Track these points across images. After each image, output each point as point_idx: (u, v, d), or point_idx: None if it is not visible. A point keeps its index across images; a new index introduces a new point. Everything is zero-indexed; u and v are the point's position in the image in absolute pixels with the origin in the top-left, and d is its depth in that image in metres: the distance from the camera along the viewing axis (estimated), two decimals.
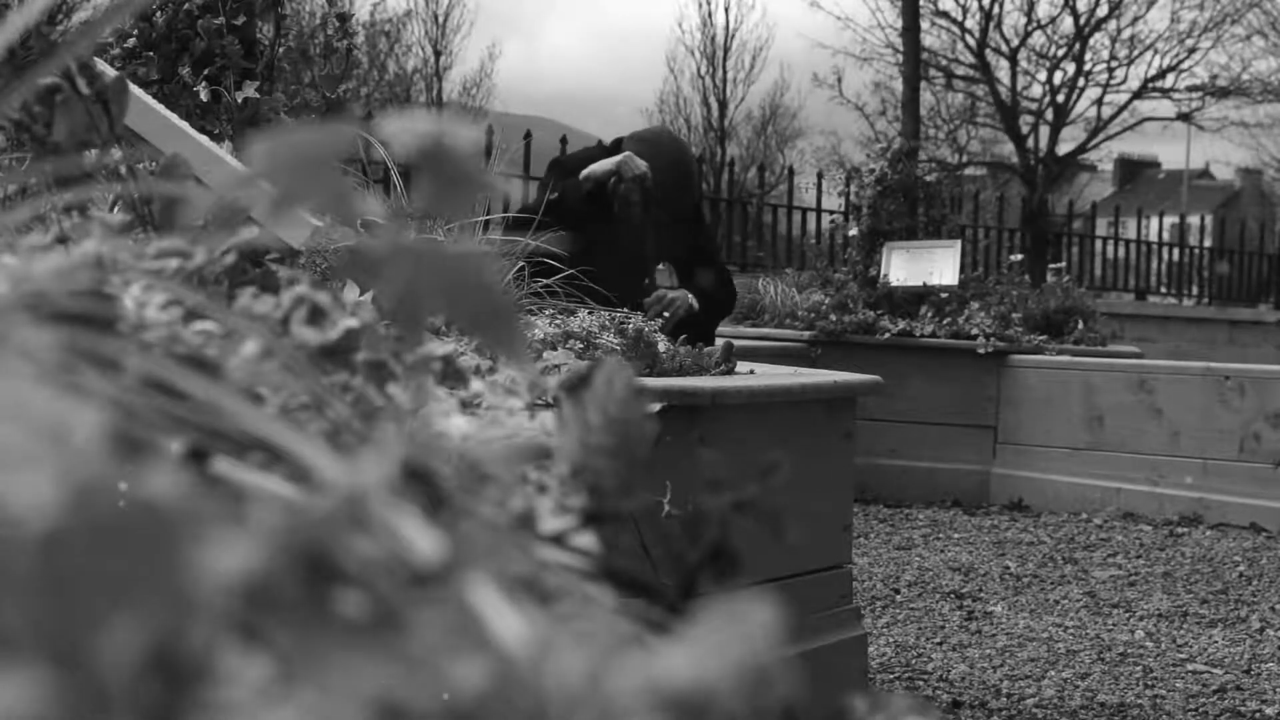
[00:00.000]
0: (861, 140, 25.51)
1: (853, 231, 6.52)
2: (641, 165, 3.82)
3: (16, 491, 0.27)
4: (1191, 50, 23.50)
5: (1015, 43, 23.27)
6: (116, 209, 0.74)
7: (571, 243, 2.66)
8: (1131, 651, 3.40)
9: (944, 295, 6.00)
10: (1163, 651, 3.41)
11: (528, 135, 8.33)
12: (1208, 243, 15.54)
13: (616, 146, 4.11)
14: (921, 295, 6.02)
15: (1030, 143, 23.59)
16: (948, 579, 4.19)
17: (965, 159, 25.00)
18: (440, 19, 29.27)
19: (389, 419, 0.52)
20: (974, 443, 5.74)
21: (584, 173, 3.84)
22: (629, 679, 0.30)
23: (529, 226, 2.69)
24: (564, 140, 8.04)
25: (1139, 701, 3.01)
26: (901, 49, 15.86)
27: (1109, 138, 24.79)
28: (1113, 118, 24.14)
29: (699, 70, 29.34)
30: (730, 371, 2.61)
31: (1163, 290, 14.67)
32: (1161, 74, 23.59)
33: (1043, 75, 23.64)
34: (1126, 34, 23.35)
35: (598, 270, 4.26)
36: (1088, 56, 23.43)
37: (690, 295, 4.00)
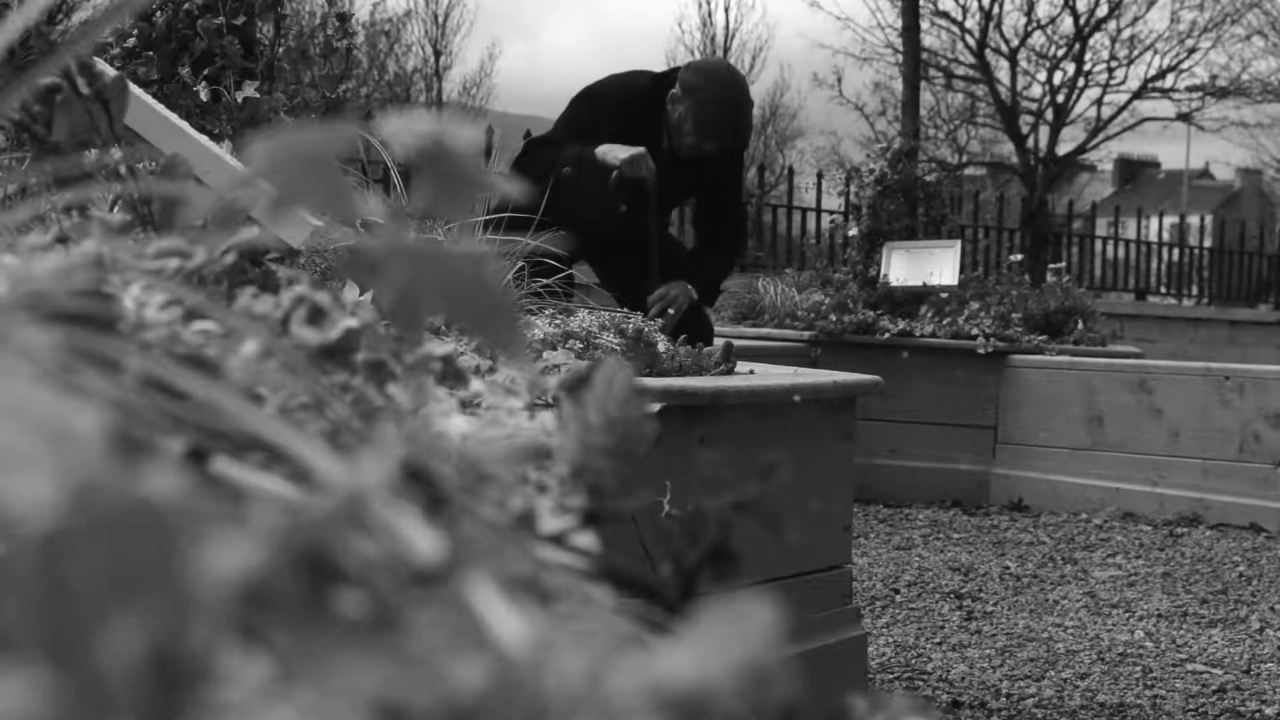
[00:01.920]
0: (861, 140, 25.52)
1: (853, 231, 6.52)
2: (645, 170, 3.81)
3: (16, 491, 0.27)
4: (1191, 50, 23.51)
5: (1015, 43, 23.28)
6: (116, 209, 0.74)
7: (571, 243, 2.67)
8: (1131, 651, 3.40)
9: (944, 295, 6.00)
10: (1162, 651, 3.41)
11: (527, 135, 8.32)
12: (1208, 243, 15.55)
13: (670, 76, 4.07)
14: (921, 295, 6.02)
15: (1030, 143, 23.59)
16: (947, 579, 4.19)
17: (965, 159, 25.00)
18: (440, 19, 29.27)
19: (389, 419, 0.52)
20: (974, 443, 5.74)
21: (599, 150, 3.83)
22: (629, 679, 0.30)
23: (539, 213, 2.68)
24: None
25: (1139, 702, 3.01)
26: (901, 49, 15.86)
27: (1109, 138, 24.79)
28: (1113, 118, 24.15)
29: None
30: (730, 371, 2.61)
31: (1163, 290, 14.67)
32: (1161, 74, 23.60)
33: (1043, 75, 23.65)
34: (1126, 34, 23.35)
35: (599, 269, 4.27)
36: (1088, 56, 23.44)
37: (690, 288, 4.00)
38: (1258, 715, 2.94)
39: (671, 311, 3.91)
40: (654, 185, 3.88)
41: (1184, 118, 24.53)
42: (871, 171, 6.56)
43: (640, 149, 3.80)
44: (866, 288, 6.10)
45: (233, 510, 0.31)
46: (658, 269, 4.00)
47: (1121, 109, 24.15)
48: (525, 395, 0.67)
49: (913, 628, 3.58)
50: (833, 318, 5.87)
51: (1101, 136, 24.42)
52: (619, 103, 4.01)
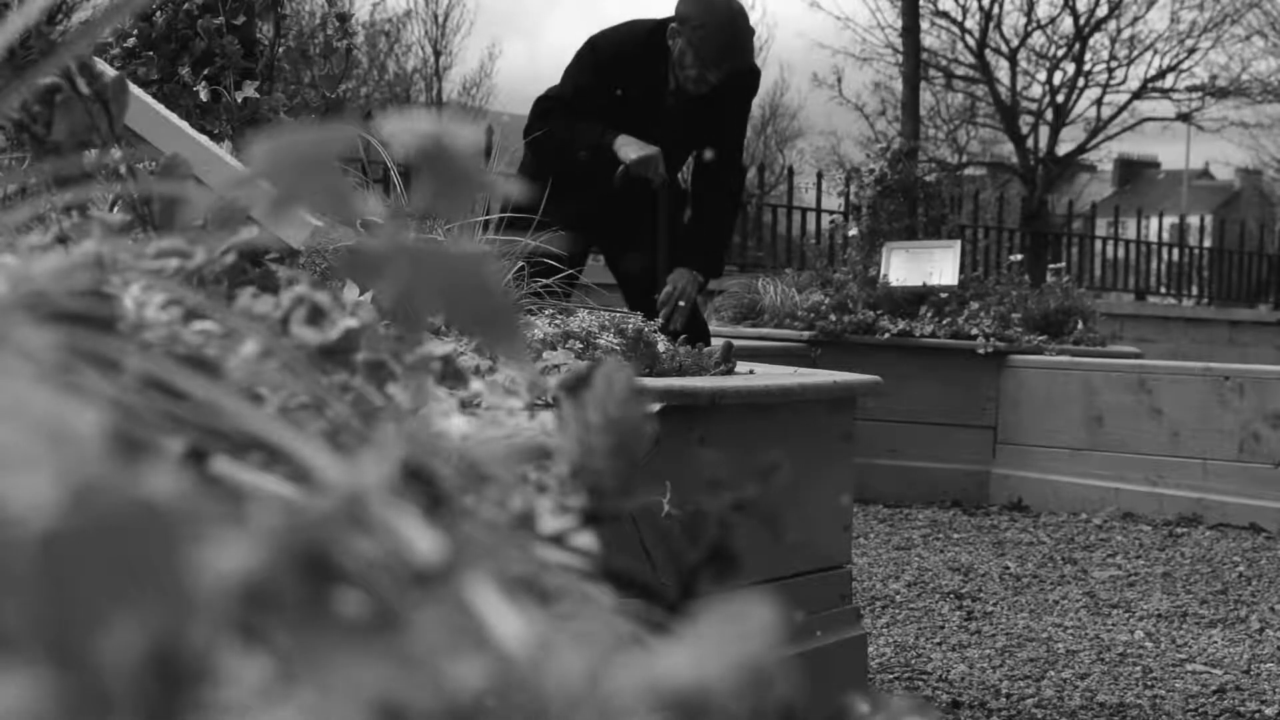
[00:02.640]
0: (861, 140, 25.51)
1: (852, 231, 6.53)
2: (652, 172, 3.81)
3: (16, 491, 0.27)
4: (1191, 50, 23.51)
5: (1015, 43, 23.28)
6: (116, 209, 0.74)
7: (573, 244, 2.67)
8: (1131, 652, 3.40)
9: (944, 295, 6.00)
10: (1162, 652, 3.41)
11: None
12: (1207, 243, 15.54)
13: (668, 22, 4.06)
14: (921, 295, 6.02)
15: (1030, 143, 23.59)
16: (947, 579, 4.19)
17: (965, 159, 25.00)
18: (440, 19, 29.26)
19: (389, 419, 0.52)
20: (974, 443, 5.74)
21: (617, 142, 3.83)
22: (628, 679, 0.30)
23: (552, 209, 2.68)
24: None
25: (1138, 702, 3.01)
26: (901, 49, 15.86)
27: (1109, 138, 24.80)
28: (1112, 118, 24.16)
29: None
30: (730, 371, 2.61)
31: (1162, 290, 14.67)
32: (1161, 74, 23.61)
33: (1042, 75, 23.66)
34: (1126, 34, 23.36)
35: (609, 260, 4.26)
36: (1088, 57, 23.44)
37: (694, 274, 4.01)
38: (1258, 715, 2.94)
39: (682, 304, 3.93)
40: (663, 186, 3.88)
41: (1184, 118, 24.54)
42: (871, 172, 6.57)
43: (654, 150, 3.79)
44: (866, 288, 6.10)
45: (233, 510, 0.31)
46: (666, 270, 4.01)
47: (1121, 109, 24.16)
48: (525, 395, 0.67)
49: (913, 628, 3.58)
50: (832, 318, 5.87)
51: (1101, 136, 24.43)
52: (623, 50, 4.00)
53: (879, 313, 5.94)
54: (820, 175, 12.10)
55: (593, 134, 3.86)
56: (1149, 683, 3.15)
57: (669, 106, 3.95)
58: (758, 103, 4.57)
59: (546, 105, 4.04)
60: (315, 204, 0.43)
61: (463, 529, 0.41)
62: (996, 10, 22.81)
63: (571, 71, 4.07)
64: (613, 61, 3.98)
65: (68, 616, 0.27)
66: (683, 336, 2.74)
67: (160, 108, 1.45)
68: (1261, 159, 33.20)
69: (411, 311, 0.44)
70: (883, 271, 6.15)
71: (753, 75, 4.17)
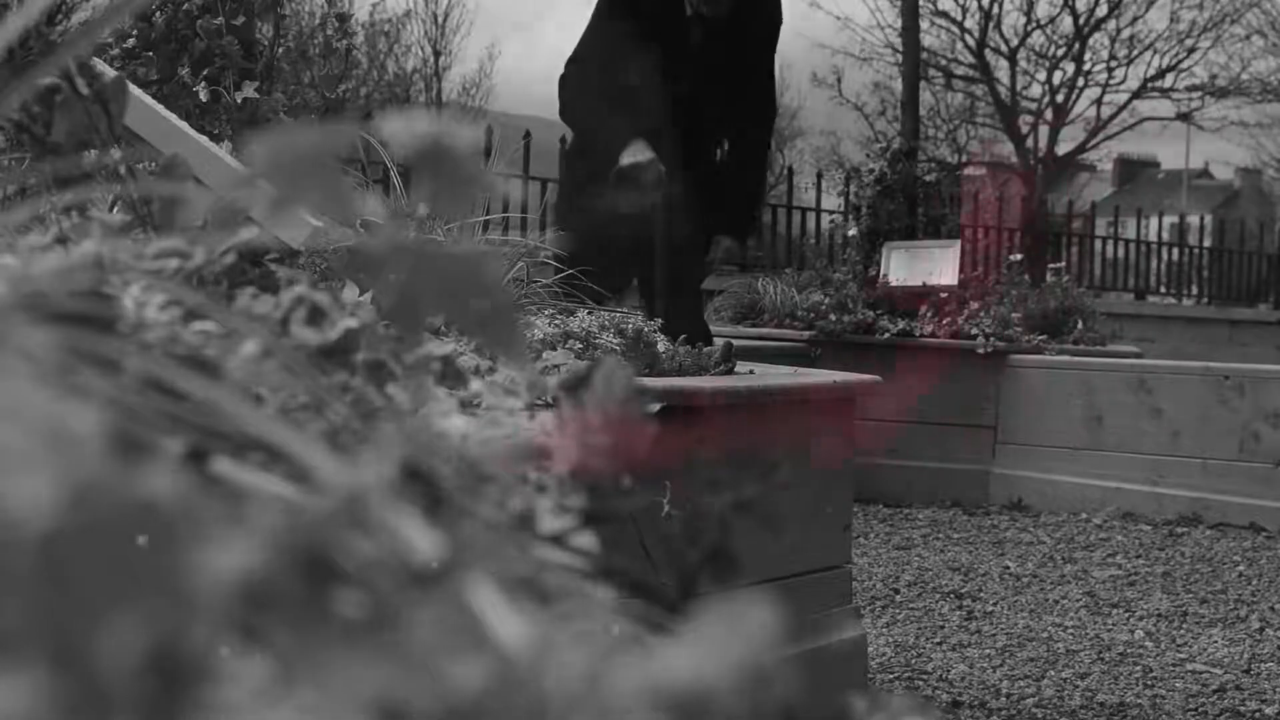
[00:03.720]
0: (861, 140, 25.50)
1: (852, 231, 6.53)
2: (643, 176, 3.80)
3: (16, 491, 0.27)
4: (1191, 50, 23.53)
5: (1015, 43, 23.30)
6: (116, 209, 0.74)
7: (571, 241, 2.69)
8: (1131, 651, 3.40)
9: (944, 295, 6.00)
10: (1162, 651, 3.41)
11: (527, 135, 8.31)
12: (1207, 242, 15.54)
13: None
14: (921, 295, 6.03)
15: (1030, 143, 23.60)
16: (947, 579, 4.19)
17: (965, 159, 25.00)
18: (440, 19, 29.26)
19: (388, 419, 0.52)
20: (974, 443, 5.74)
21: (625, 150, 3.85)
22: (628, 679, 0.30)
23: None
24: (563, 140, 8.00)
25: (1138, 701, 3.01)
26: (901, 49, 15.87)
27: (1108, 138, 24.82)
28: (1112, 118, 24.18)
29: None
30: (730, 371, 2.61)
31: (1162, 290, 14.66)
32: (1161, 74, 23.62)
33: (1042, 75, 23.67)
34: (1126, 34, 23.38)
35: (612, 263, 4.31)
36: (1087, 56, 23.46)
37: (730, 241, 4.12)
38: (1258, 715, 2.94)
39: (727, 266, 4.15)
40: (657, 183, 3.87)
41: (1184, 117, 24.56)
42: (871, 171, 6.57)
43: (649, 156, 3.79)
44: (866, 287, 6.10)
45: (233, 510, 0.31)
46: (666, 279, 4.01)
47: (1121, 109, 24.18)
48: (525, 395, 0.67)
49: (913, 628, 3.58)
50: (832, 317, 5.87)
51: (1101, 136, 24.45)
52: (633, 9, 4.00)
53: (879, 313, 5.94)
54: (820, 175, 12.10)
55: (608, 133, 3.87)
56: (1149, 682, 3.15)
57: (692, 44, 3.94)
58: None
59: (567, 71, 4.05)
60: (315, 204, 0.43)
61: (463, 529, 0.41)
62: (996, 10, 22.83)
63: (590, 28, 4.07)
64: (625, 11, 3.97)
65: (68, 616, 0.27)
66: (682, 336, 2.74)
67: (160, 108, 1.45)
68: (1261, 159, 33.20)
69: (411, 311, 0.44)
70: (883, 271, 6.15)
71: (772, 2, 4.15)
